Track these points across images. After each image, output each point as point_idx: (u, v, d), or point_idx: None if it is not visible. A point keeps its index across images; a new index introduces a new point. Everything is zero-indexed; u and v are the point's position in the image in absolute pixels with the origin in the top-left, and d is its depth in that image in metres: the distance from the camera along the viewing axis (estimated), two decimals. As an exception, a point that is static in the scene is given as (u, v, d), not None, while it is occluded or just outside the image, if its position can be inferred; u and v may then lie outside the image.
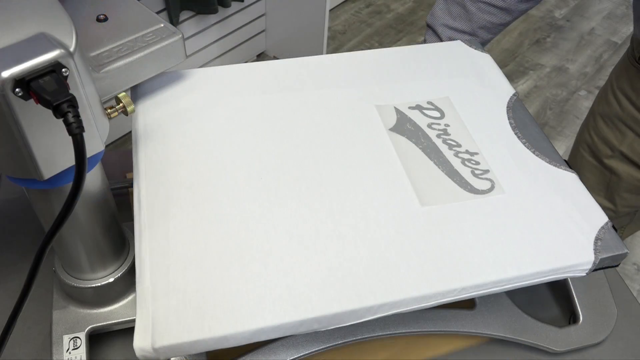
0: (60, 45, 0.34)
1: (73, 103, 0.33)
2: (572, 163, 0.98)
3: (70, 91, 0.33)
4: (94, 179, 0.45)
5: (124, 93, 0.45)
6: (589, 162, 0.94)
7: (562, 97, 2.01)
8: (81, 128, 0.32)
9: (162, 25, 0.54)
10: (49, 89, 0.32)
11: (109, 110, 0.43)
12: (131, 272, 0.51)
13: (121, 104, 0.44)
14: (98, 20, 0.53)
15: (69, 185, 0.42)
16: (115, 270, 0.51)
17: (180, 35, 0.54)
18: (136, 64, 0.52)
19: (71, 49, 0.35)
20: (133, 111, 0.45)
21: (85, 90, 0.37)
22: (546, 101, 1.99)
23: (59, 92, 0.32)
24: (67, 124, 0.32)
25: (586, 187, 0.54)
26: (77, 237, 0.47)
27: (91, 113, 0.39)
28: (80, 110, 0.33)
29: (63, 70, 0.34)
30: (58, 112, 0.32)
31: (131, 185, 0.51)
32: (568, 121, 1.91)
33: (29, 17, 0.36)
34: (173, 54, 0.54)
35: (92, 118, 0.39)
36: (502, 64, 2.13)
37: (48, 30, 0.35)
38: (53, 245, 0.49)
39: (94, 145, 0.41)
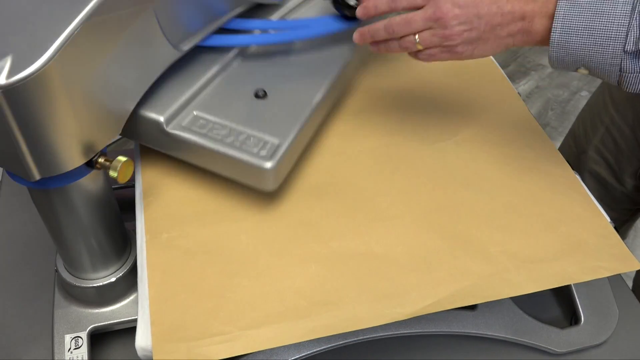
0: None
1: None
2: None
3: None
4: (96, 178, 0.45)
5: (125, 158, 0.41)
6: None
7: (564, 97, 2.01)
8: None
9: (276, 141, 0.47)
10: None
11: (100, 161, 0.41)
12: (133, 271, 0.51)
13: (108, 164, 0.41)
14: (257, 96, 0.50)
15: (70, 185, 0.42)
16: (117, 269, 0.51)
17: (270, 166, 0.46)
18: (207, 152, 0.47)
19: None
20: (114, 177, 0.41)
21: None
22: (548, 102, 1.99)
23: None
24: None
25: None
26: (80, 237, 0.47)
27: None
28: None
29: None
30: None
31: (133, 185, 0.51)
32: (570, 122, 1.91)
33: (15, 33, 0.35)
34: (251, 173, 0.47)
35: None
36: (503, 65, 2.13)
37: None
38: (55, 245, 0.49)
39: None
